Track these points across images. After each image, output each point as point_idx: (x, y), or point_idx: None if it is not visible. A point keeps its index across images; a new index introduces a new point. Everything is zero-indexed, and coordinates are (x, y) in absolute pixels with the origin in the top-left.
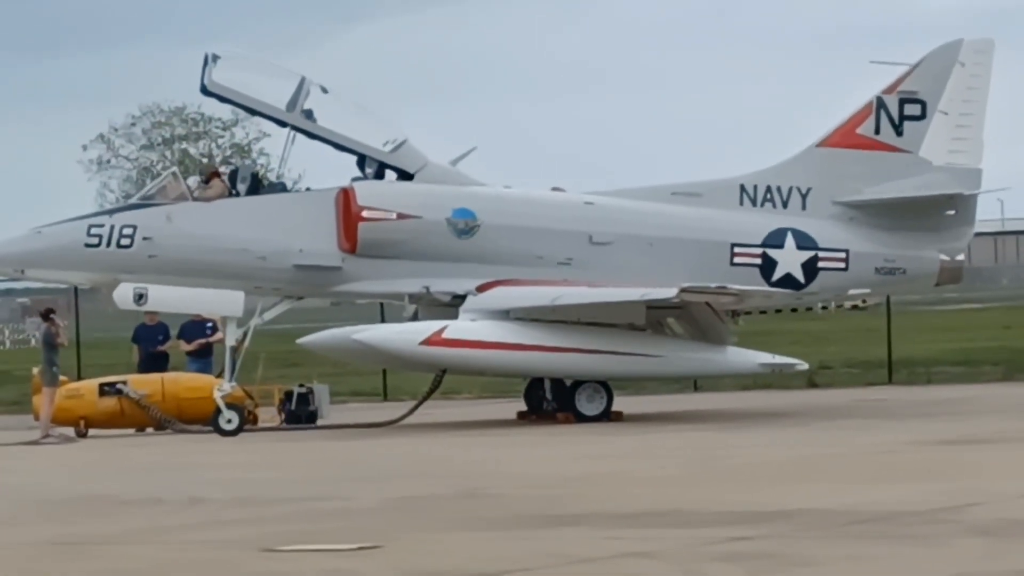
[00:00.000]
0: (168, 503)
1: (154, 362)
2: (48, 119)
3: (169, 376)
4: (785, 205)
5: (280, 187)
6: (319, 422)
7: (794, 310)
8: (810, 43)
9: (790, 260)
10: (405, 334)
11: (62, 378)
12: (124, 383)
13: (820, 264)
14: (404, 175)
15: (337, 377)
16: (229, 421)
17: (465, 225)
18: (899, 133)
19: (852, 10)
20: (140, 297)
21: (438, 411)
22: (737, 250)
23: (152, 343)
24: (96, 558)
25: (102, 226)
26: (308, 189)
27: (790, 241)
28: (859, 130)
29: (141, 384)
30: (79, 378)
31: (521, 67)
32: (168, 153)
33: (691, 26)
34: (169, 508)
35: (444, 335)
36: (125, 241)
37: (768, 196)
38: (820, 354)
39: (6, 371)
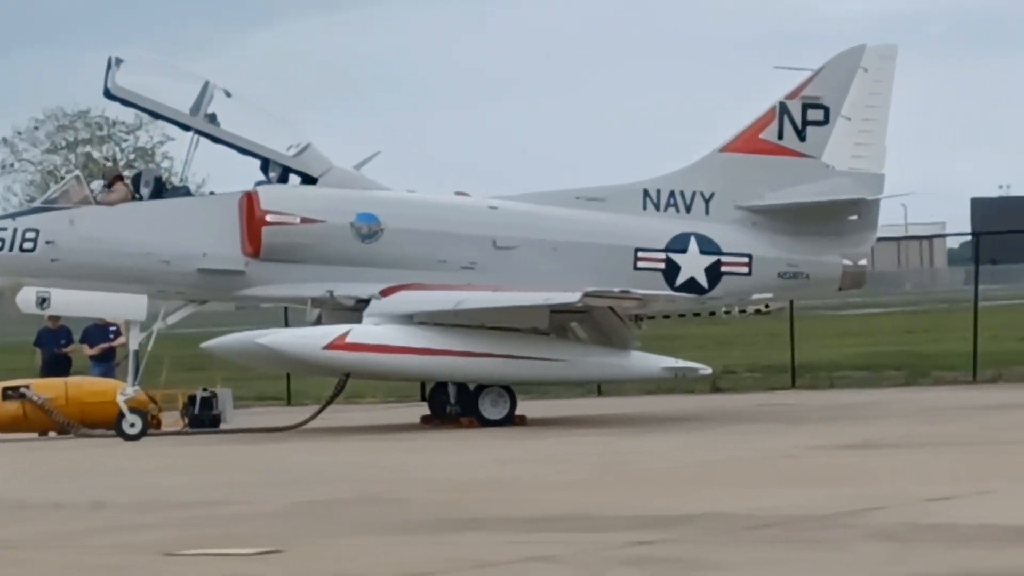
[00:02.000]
0: (70, 507)
1: (56, 366)
2: None
3: (72, 380)
4: (688, 210)
5: (184, 191)
6: (222, 426)
7: (697, 315)
8: (714, 49)
9: (693, 265)
10: (308, 338)
11: None
12: (27, 387)
13: (723, 269)
14: (308, 179)
15: (241, 381)
16: (132, 425)
17: (369, 229)
18: (802, 138)
19: (756, 16)
20: (43, 301)
21: (342, 415)
22: (640, 255)
23: (55, 347)
24: None
25: (4, 230)
26: (212, 193)
27: (693, 246)
28: (762, 135)
29: (44, 388)
30: None
31: (424, 73)
32: (72, 157)
33: (594, 33)
34: (71, 512)
35: (348, 339)
36: (28, 245)
37: (671, 201)
38: (724, 358)
39: None
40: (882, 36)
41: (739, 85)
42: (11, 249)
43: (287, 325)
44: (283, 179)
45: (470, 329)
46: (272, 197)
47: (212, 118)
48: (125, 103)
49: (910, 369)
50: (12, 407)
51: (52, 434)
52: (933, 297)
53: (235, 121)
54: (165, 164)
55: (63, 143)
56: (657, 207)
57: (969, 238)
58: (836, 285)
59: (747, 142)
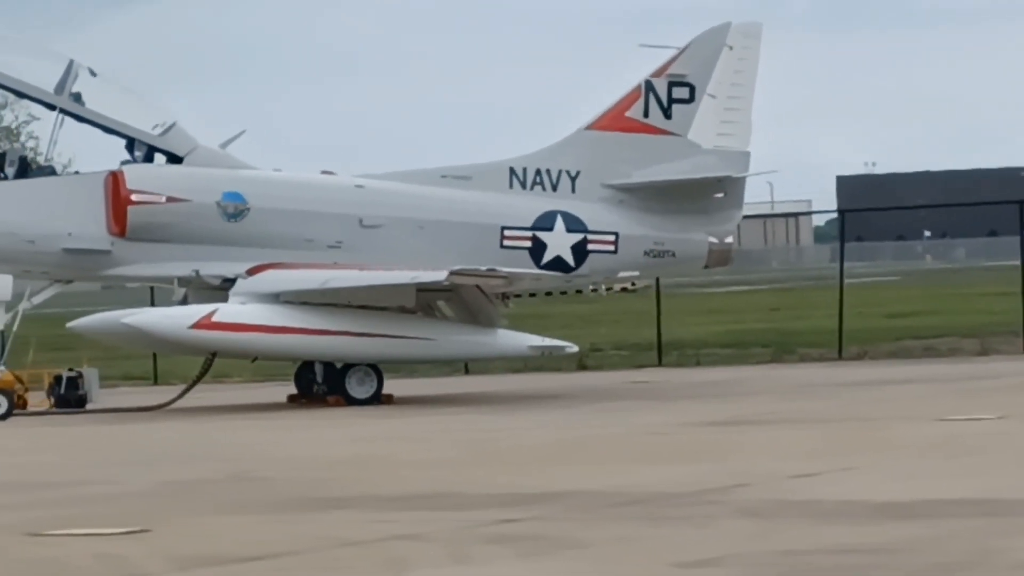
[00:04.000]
0: None
1: None
2: None
3: None
4: (555, 188)
5: (49, 171)
6: (89, 406)
7: (564, 293)
8: (580, 26)
9: (560, 243)
10: (175, 318)
11: None
12: None
13: (590, 247)
14: (174, 158)
15: (107, 361)
16: None
17: (235, 208)
18: (668, 116)
19: None
20: None
21: (208, 395)
22: (507, 233)
23: None
24: None
25: None
26: (77, 173)
27: (560, 224)
28: (628, 113)
29: None
30: None
31: (287, 52)
32: None
33: (460, 9)
34: None
35: (214, 319)
36: None
37: (538, 179)
38: (590, 336)
39: None
40: (746, 14)
41: (604, 62)
42: None
43: (153, 305)
44: (149, 158)
45: (337, 308)
46: (137, 176)
47: (77, 97)
48: None
49: (776, 346)
50: None
51: None
52: (799, 275)
53: (100, 100)
54: (30, 144)
55: None
56: (523, 185)
57: (835, 215)
58: (702, 263)
59: (613, 120)
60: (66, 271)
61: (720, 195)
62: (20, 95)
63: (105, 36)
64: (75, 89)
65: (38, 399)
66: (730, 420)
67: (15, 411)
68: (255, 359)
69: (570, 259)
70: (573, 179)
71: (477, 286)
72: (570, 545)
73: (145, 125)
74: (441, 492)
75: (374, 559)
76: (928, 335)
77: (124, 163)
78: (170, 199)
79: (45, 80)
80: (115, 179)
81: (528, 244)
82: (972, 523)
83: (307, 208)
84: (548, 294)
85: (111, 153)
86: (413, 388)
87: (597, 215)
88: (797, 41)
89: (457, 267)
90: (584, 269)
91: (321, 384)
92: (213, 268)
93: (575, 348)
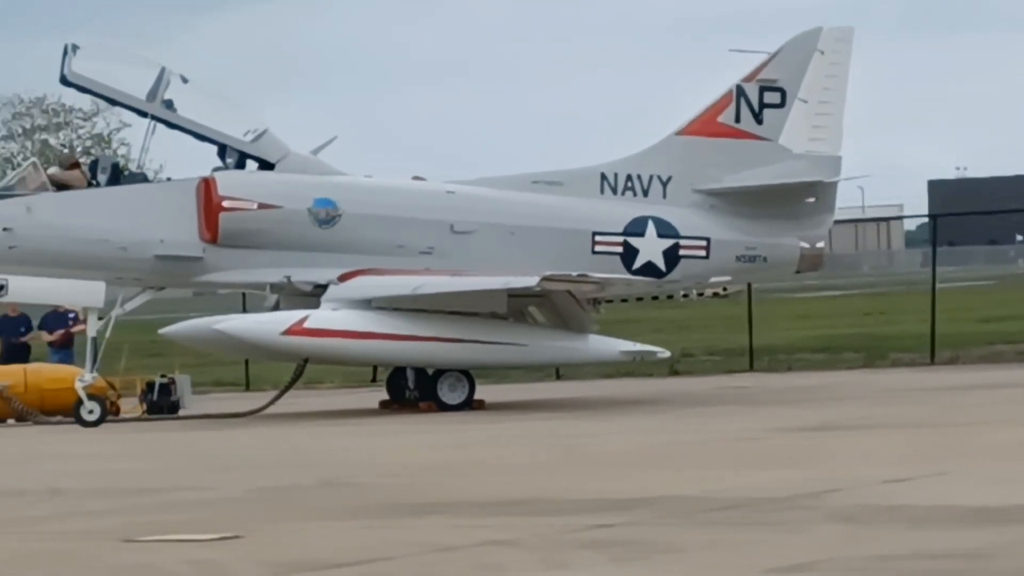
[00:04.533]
0: (29, 494)
1: (15, 353)
2: None
3: (31, 367)
4: (646, 193)
5: (141, 177)
6: (181, 412)
7: (655, 298)
8: (671, 32)
9: (651, 248)
10: (267, 324)
11: None
12: None
13: (681, 252)
14: (265, 165)
15: (199, 367)
16: (91, 412)
17: (326, 215)
18: (759, 121)
19: None
20: (0, 288)
21: (300, 401)
22: (598, 238)
23: (14, 334)
24: None
25: None
26: (169, 179)
27: (651, 229)
28: (720, 118)
29: (2, 375)
30: None
31: (378, 58)
32: (28, 144)
33: (551, 16)
34: (30, 499)
35: (306, 325)
36: None
37: (629, 184)
38: (682, 342)
39: None
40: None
41: (695, 67)
42: None
43: (245, 311)
44: (240, 165)
45: (428, 314)
46: (229, 183)
47: (169, 104)
48: (82, 90)
49: (868, 351)
50: None
51: (11, 421)
52: (890, 279)
53: (192, 107)
54: (122, 151)
55: (19, 130)
56: (615, 191)
57: (926, 220)
58: (794, 268)
59: (704, 125)
60: (158, 278)
61: (811, 200)
62: (112, 102)
63: (197, 43)
64: (167, 96)
65: (130, 405)
66: (822, 425)
67: (108, 417)
68: (306, 360)
69: (661, 264)
70: (664, 184)
71: (569, 291)
72: (663, 550)
73: (236, 131)
74: (534, 497)
75: (467, 564)
76: (1021, 339)
77: (216, 170)
78: (262, 206)
79: (137, 87)
80: (207, 186)
81: (619, 249)
82: None
83: (398, 214)
84: (639, 299)
85: (203, 160)
86: (505, 394)
87: (688, 220)
88: (888, 45)
89: (549, 272)
90: (675, 274)
91: (413, 390)
92: (305, 274)
93: (667, 353)
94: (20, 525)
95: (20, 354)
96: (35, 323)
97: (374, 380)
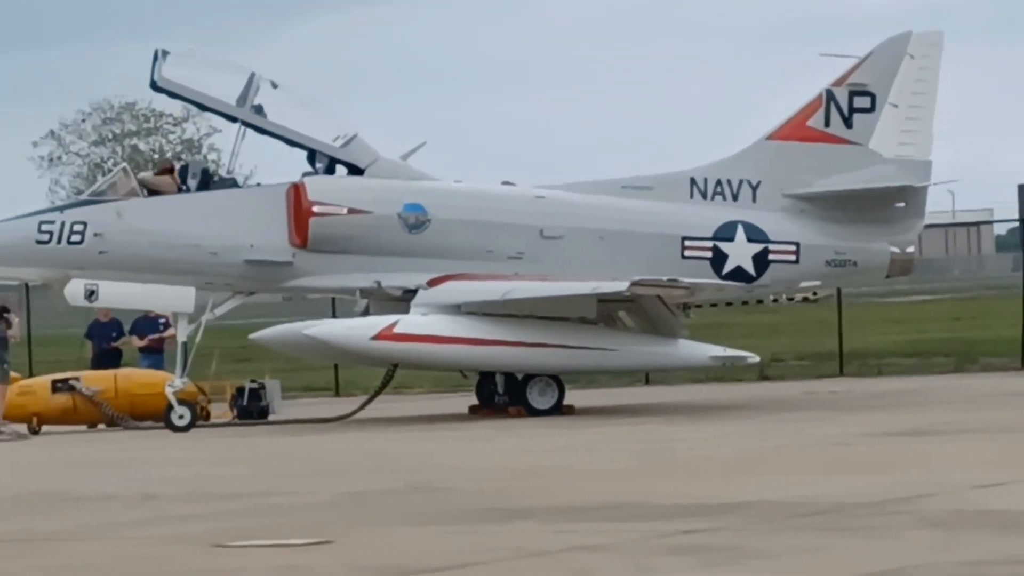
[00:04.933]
0: (120, 499)
1: (107, 358)
2: None
3: (122, 372)
4: (735, 198)
5: (231, 182)
6: (271, 417)
7: (745, 303)
8: (760, 36)
9: (741, 253)
10: (356, 329)
11: (14, 375)
12: (77, 379)
13: (771, 257)
14: (355, 170)
15: (289, 372)
16: (181, 417)
17: (416, 220)
18: (849, 125)
19: (802, 2)
20: (91, 294)
21: (390, 406)
22: (688, 243)
23: (105, 339)
24: (47, 554)
25: (53, 222)
26: (259, 184)
27: (741, 234)
28: (809, 123)
29: (94, 380)
30: (31, 375)
31: (467, 63)
32: (119, 149)
33: (640, 20)
34: (121, 504)
35: (395, 330)
36: (76, 237)
37: (718, 189)
38: (771, 346)
39: None
40: (927, 22)
41: (785, 72)
42: (59, 242)
43: (335, 316)
44: (330, 170)
45: (518, 319)
46: (319, 188)
47: (259, 109)
48: (172, 95)
49: (958, 356)
50: (62, 399)
51: (101, 426)
52: (981, 283)
53: (281, 112)
54: (212, 156)
55: (110, 135)
56: (704, 195)
57: (1017, 224)
58: (884, 272)
59: (794, 129)
60: (248, 283)
61: (901, 204)
62: (202, 108)
63: (286, 49)
64: (257, 101)
65: (220, 410)
66: (913, 430)
67: (198, 422)
68: (396, 365)
69: (751, 269)
70: (754, 189)
71: (658, 296)
72: (753, 555)
73: (326, 137)
74: (623, 502)
75: (556, 570)
76: None
77: (305, 175)
78: (351, 211)
79: (227, 92)
80: (297, 191)
81: (709, 254)
82: None
83: (488, 219)
84: (729, 304)
85: (292, 165)
86: (594, 399)
87: (778, 225)
88: (978, 49)
89: (638, 277)
90: (765, 279)
91: (502, 395)
92: (394, 279)
93: (756, 358)
94: (111, 530)
95: (112, 359)
96: (126, 328)
97: (464, 376)
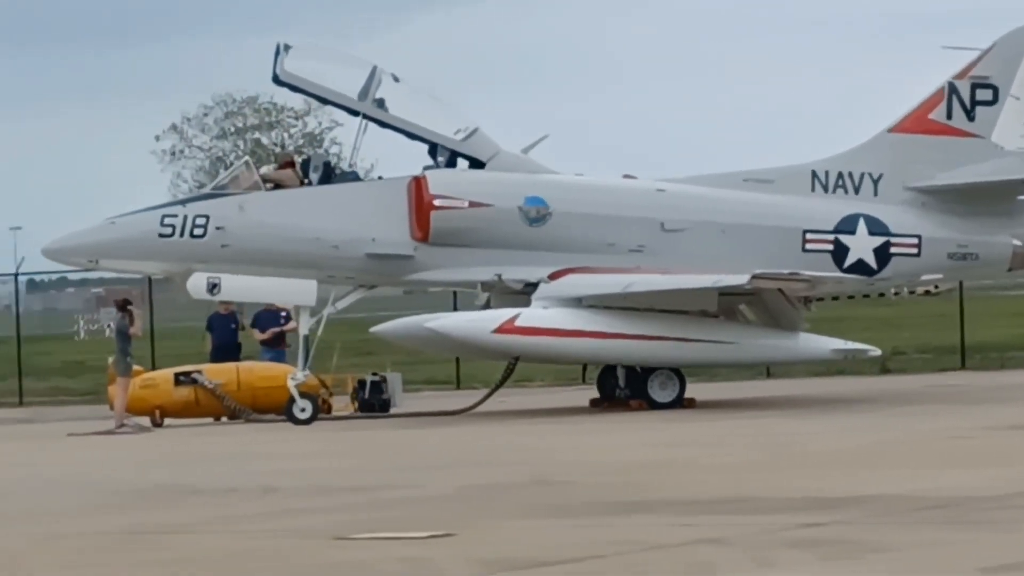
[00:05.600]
0: (242, 492)
1: (227, 351)
2: (121, 110)
3: (244, 365)
4: (857, 191)
5: (352, 176)
6: (392, 410)
7: (866, 296)
8: (881, 28)
9: (862, 246)
10: (478, 322)
11: (137, 368)
12: (199, 372)
13: (892, 250)
14: (476, 163)
15: (410, 365)
16: (303, 410)
17: (537, 213)
18: (971, 118)
19: None
20: (213, 287)
21: (511, 399)
22: (809, 236)
23: (225, 332)
24: (169, 547)
25: (175, 216)
26: (380, 178)
27: (862, 227)
28: (931, 115)
29: (216, 373)
30: (153, 368)
31: (588, 56)
32: (240, 143)
33: (761, 13)
34: (243, 497)
35: (517, 323)
36: (198, 231)
37: (840, 182)
38: (893, 340)
39: (81, 361)
40: None
41: (906, 65)
42: (181, 235)
43: (456, 309)
44: (451, 163)
45: (639, 312)
46: (440, 181)
47: (380, 103)
48: (294, 89)
49: None
50: (184, 392)
51: (223, 419)
52: None
53: (403, 106)
54: (334, 150)
55: (232, 129)
56: (825, 188)
57: None
58: (1006, 265)
59: (916, 122)
60: (370, 276)
61: None
62: (324, 101)
63: (408, 42)
64: (378, 95)
65: (342, 403)
66: None
67: (319, 415)
68: (517, 359)
69: (872, 262)
70: (875, 182)
71: (779, 290)
72: (874, 549)
73: (447, 130)
74: (743, 496)
75: (678, 563)
76: None
77: (427, 168)
78: (473, 204)
79: (349, 86)
80: (418, 184)
81: (830, 247)
82: None
83: (609, 212)
84: (850, 297)
85: (414, 158)
86: (715, 392)
87: (899, 218)
88: None
89: (759, 271)
90: (886, 272)
91: (623, 388)
92: (515, 272)
93: (878, 352)
94: (233, 523)
95: (231, 352)
96: (247, 321)
97: (583, 381)
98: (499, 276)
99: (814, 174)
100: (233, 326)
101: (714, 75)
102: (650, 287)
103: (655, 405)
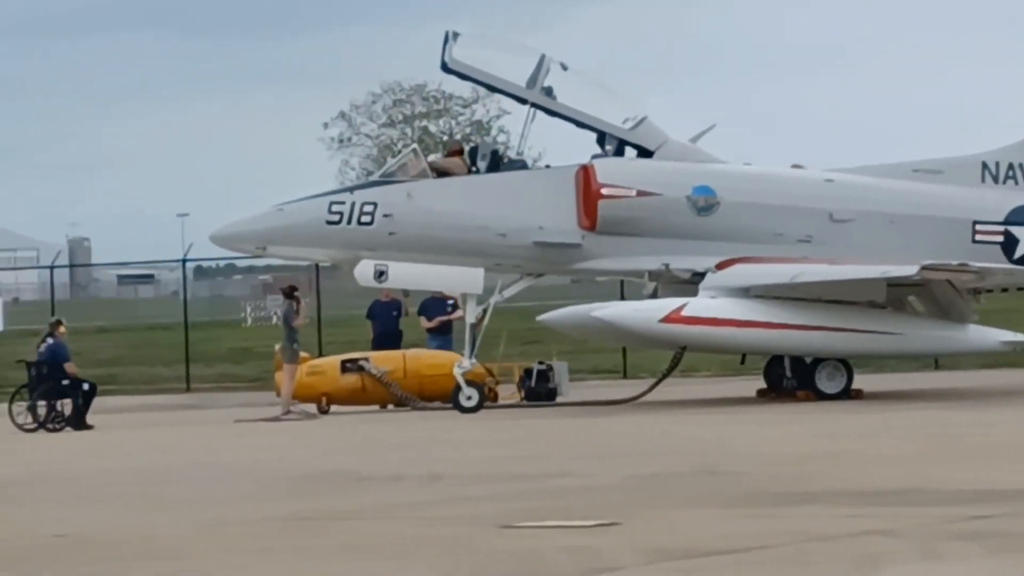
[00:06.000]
0: (408, 479)
1: (388, 338)
2: (289, 97)
3: (410, 353)
4: None
5: (520, 165)
6: (558, 399)
7: None
8: None
9: None
10: (645, 311)
11: (303, 355)
12: (366, 360)
13: None
14: (644, 152)
15: (577, 354)
16: (469, 398)
17: (705, 202)
18: None
19: None
20: (381, 274)
21: (677, 389)
22: (979, 227)
23: (387, 320)
24: (336, 534)
25: (343, 203)
26: (548, 167)
27: None
28: None
29: (382, 361)
30: (320, 355)
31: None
32: (408, 131)
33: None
34: (409, 484)
35: (684, 312)
36: (366, 218)
37: (1010, 173)
38: None
39: (248, 348)
40: None
41: None
42: (349, 222)
43: (623, 298)
44: (619, 152)
45: (806, 302)
46: (608, 170)
47: (548, 92)
48: (462, 77)
49: None
50: (351, 379)
51: (390, 406)
52: None
53: (571, 94)
54: (501, 138)
55: (400, 117)
56: (995, 179)
57: None
58: None
59: None
60: (536, 265)
61: None
62: (492, 89)
63: (576, 30)
64: (547, 83)
65: (508, 392)
66: None
67: (485, 403)
68: (684, 348)
69: None
70: None
71: (948, 281)
72: None
73: (616, 119)
74: (910, 488)
75: (844, 554)
76: None
77: (595, 157)
78: (640, 193)
79: (517, 74)
80: (586, 173)
81: (1000, 239)
82: None
83: (777, 202)
84: (1020, 289)
85: (581, 147)
86: (883, 383)
87: None
88: None
89: (928, 262)
90: None
91: (790, 378)
92: (683, 262)
93: None
94: (400, 510)
95: (393, 339)
96: (414, 309)
97: (743, 363)
98: (666, 265)
99: (984, 165)
100: (395, 314)
101: (885, 65)
102: (818, 278)
103: (822, 396)
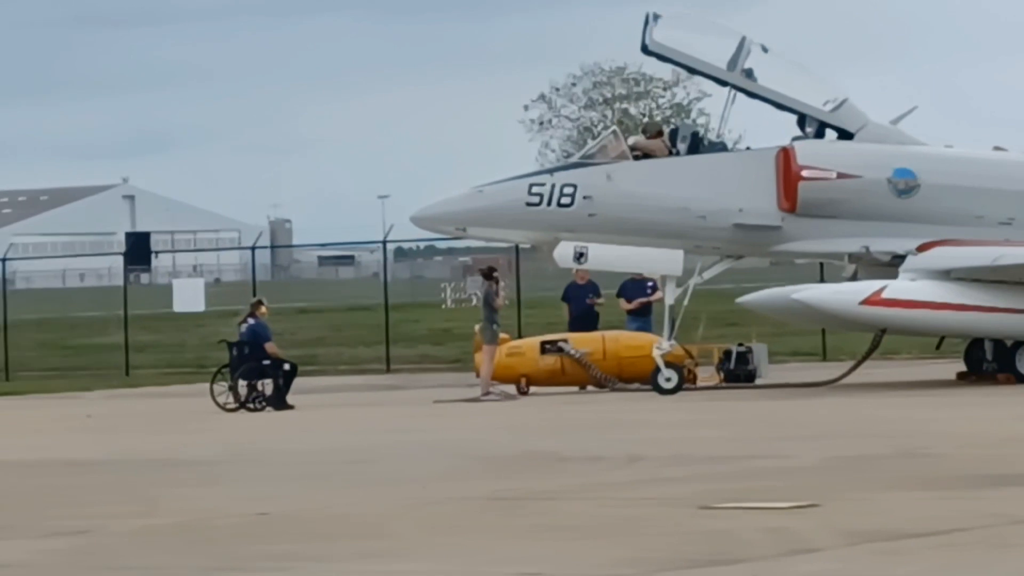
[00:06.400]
0: (607, 460)
1: (584, 320)
2: (491, 79)
3: (610, 335)
4: None
5: (720, 147)
6: (757, 381)
7: None
8: None
9: None
10: (844, 294)
11: (503, 336)
12: (565, 341)
13: None
14: (844, 134)
15: (776, 337)
16: (668, 380)
17: (905, 185)
18: None
19: None
20: (580, 256)
21: (877, 371)
22: None
23: (582, 301)
24: (536, 513)
25: (543, 185)
26: (748, 148)
27: None
28: None
29: (581, 342)
30: (519, 336)
31: (961, 25)
32: (608, 113)
33: None
34: (608, 465)
35: (884, 295)
36: (565, 200)
37: None
38: None
39: (447, 329)
40: None
41: None
42: (548, 204)
43: (823, 281)
44: (819, 134)
45: (1008, 285)
46: (808, 152)
47: (749, 73)
48: (662, 59)
49: None
50: (550, 361)
51: (589, 388)
52: None
53: (772, 76)
54: (701, 120)
55: (600, 99)
56: None
57: None
58: None
59: None
60: (736, 247)
61: None
62: (693, 71)
63: (774, 12)
64: (747, 65)
65: (707, 374)
66: None
67: (684, 385)
68: (884, 331)
69: None
70: None
71: None
72: None
73: (816, 101)
74: None
75: None
76: None
77: (795, 139)
78: (841, 175)
79: (718, 56)
80: (786, 155)
81: None
82: None
83: (978, 184)
84: None
85: (781, 129)
86: None
87: None
88: None
89: None
90: None
91: (991, 361)
92: (883, 244)
93: None
94: (599, 490)
95: (589, 321)
96: (613, 291)
97: (938, 348)
98: (867, 248)
99: None
100: (591, 295)
101: None
102: (1020, 260)
103: (1023, 379)
